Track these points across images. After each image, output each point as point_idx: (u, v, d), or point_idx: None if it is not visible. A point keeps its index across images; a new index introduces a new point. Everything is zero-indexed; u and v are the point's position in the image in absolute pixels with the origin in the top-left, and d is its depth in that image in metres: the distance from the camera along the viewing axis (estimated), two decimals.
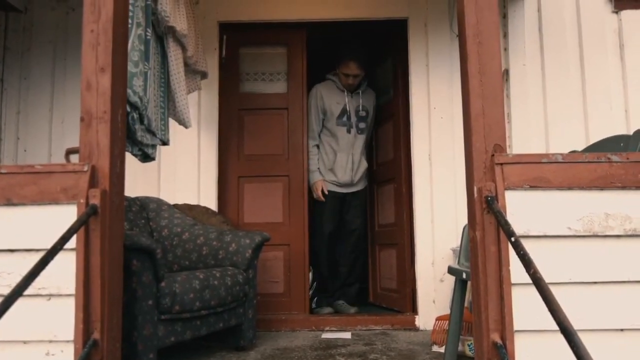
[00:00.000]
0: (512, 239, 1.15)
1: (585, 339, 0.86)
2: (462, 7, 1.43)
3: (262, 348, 2.47)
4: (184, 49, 2.48)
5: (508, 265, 1.26)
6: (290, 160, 3.26)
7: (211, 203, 3.07)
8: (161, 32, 2.34)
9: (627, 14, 3.09)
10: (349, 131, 3.35)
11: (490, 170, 1.34)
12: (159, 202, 2.78)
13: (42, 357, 1.32)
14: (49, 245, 1.18)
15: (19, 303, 1.05)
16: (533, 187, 1.32)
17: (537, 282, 1.00)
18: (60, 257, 1.19)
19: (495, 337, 1.26)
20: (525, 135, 3.04)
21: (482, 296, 1.29)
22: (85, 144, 1.39)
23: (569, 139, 2.95)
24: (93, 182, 1.36)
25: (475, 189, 1.34)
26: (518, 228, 1.27)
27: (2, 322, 1.02)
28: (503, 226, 1.22)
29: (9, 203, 1.36)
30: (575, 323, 0.89)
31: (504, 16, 3.15)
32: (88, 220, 1.31)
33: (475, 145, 1.36)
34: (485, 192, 1.30)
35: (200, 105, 3.13)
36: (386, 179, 3.49)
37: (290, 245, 3.18)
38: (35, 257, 1.17)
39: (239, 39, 3.30)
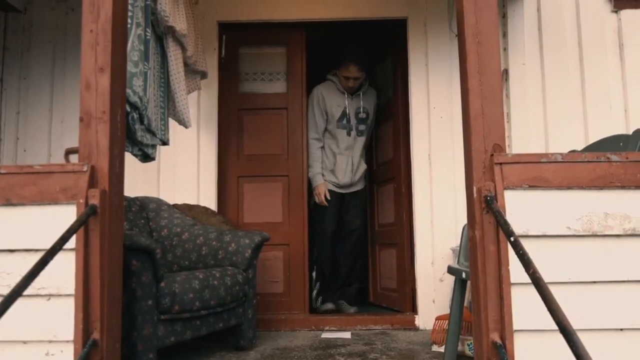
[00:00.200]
0: (512, 239, 1.15)
1: (585, 339, 0.86)
2: (461, 7, 1.43)
3: (261, 348, 2.47)
4: (183, 48, 2.48)
5: (507, 264, 1.26)
6: (289, 160, 3.26)
7: (211, 203, 3.07)
8: (161, 32, 2.34)
9: (627, 14, 3.09)
10: (348, 134, 3.34)
11: (489, 170, 1.34)
12: (159, 202, 2.78)
13: (41, 357, 1.32)
14: (48, 245, 1.18)
15: (19, 303, 1.05)
16: (532, 187, 1.32)
17: (537, 281, 1.00)
18: (59, 257, 1.19)
19: (495, 337, 1.26)
20: (525, 135, 3.04)
21: (482, 296, 1.29)
22: (85, 144, 1.39)
23: (569, 138, 2.95)
24: (92, 182, 1.36)
25: (474, 188, 1.34)
26: (517, 228, 1.27)
27: (2, 322, 1.02)
28: (502, 226, 1.22)
29: (9, 203, 1.36)
30: (575, 323, 0.89)
31: (504, 16, 3.15)
32: (87, 220, 1.31)
33: (475, 145, 1.36)
34: (485, 192, 1.30)
35: (200, 105, 3.14)
36: (386, 179, 3.49)
37: (289, 245, 3.19)
38: (35, 257, 1.17)
39: (238, 39, 3.30)
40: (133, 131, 2.05)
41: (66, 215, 1.33)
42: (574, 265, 1.30)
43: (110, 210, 1.38)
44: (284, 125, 3.29)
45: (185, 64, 2.54)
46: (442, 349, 2.31)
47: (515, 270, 1.24)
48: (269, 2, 3.19)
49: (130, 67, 1.96)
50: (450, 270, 2.06)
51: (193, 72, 2.71)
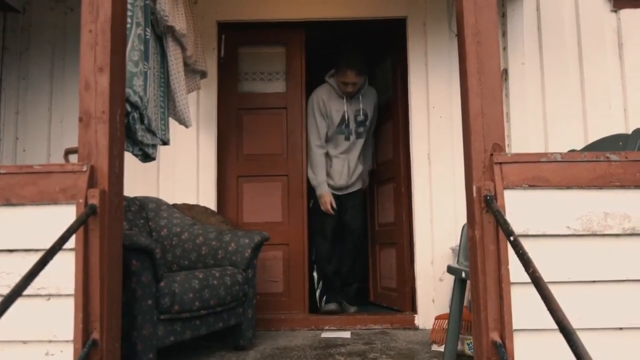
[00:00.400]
0: (511, 238, 1.15)
1: (584, 338, 0.86)
2: (460, 7, 1.43)
3: (261, 347, 2.47)
4: (183, 48, 2.47)
5: (507, 264, 1.26)
6: (289, 160, 3.26)
7: (210, 203, 3.07)
8: (160, 32, 2.34)
9: (626, 13, 3.09)
10: (347, 138, 3.32)
11: (489, 169, 1.34)
12: (158, 202, 2.78)
13: (41, 357, 1.32)
14: (48, 245, 1.18)
15: (19, 303, 1.05)
16: (532, 187, 1.32)
17: (536, 281, 1.00)
18: (59, 257, 1.19)
19: (495, 336, 1.26)
20: (524, 135, 3.04)
21: (482, 295, 1.29)
22: (84, 144, 1.39)
23: (568, 138, 2.95)
24: (92, 182, 1.36)
25: (474, 188, 1.34)
26: (517, 227, 1.27)
27: (2, 322, 1.01)
28: (502, 225, 1.22)
29: (8, 203, 1.36)
30: (574, 322, 0.89)
31: (503, 15, 3.15)
32: (87, 220, 1.31)
33: (474, 144, 1.36)
34: (484, 192, 1.30)
35: (199, 105, 3.13)
36: (386, 179, 3.49)
37: (289, 245, 3.19)
38: (35, 257, 1.16)
39: (237, 39, 3.30)
40: (133, 131, 2.05)
41: (66, 215, 1.33)
42: (573, 265, 1.30)
43: (110, 210, 1.38)
44: (284, 125, 3.29)
45: (185, 64, 2.54)
46: (441, 349, 2.31)
47: (515, 269, 1.24)
48: (269, 1, 3.19)
49: (130, 67, 1.95)
50: (450, 269, 2.06)
51: (193, 72, 2.71)
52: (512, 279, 1.26)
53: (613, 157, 1.33)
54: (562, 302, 0.93)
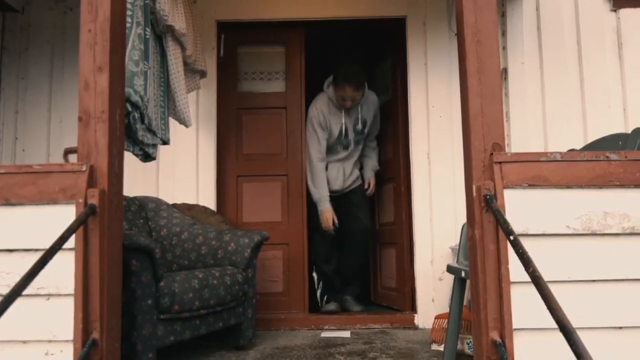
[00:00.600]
0: (511, 238, 1.15)
1: (584, 337, 0.86)
2: (460, 6, 1.43)
3: (261, 347, 2.47)
4: (182, 48, 2.47)
5: (507, 263, 1.26)
6: (288, 160, 3.26)
7: (210, 202, 3.07)
8: (160, 31, 2.34)
9: (626, 13, 3.09)
10: (345, 148, 3.28)
11: (489, 169, 1.34)
12: (158, 202, 2.77)
13: (41, 357, 1.32)
14: (47, 245, 1.18)
15: (18, 303, 1.05)
16: (532, 186, 1.32)
17: (536, 280, 1.00)
18: (59, 256, 1.19)
19: (495, 336, 1.26)
20: (524, 134, 3.04)
21: (481, 294, 1.29)
22: (84, 144, 1.39)
23: (568, 137, 2.95)
24: (91, 182, 1.36)
25: (474, 187, 1.34)
26: (517, 226, 1.27)
27: (2, 322, 1.01)
28: (502, 225, 1.22)
29: (8, 203, 1.36)
30: (574, 321, 0.89)
31: (503, 15, 3.15)
32: (87, 220, 1.31)
33: (474, 144, 1.36)
34: (484, 191, 1.30)
35: (199, 105, 3.13)
36: (385, 178, 3.49)
37: (289, 245, 3.19)
38: (34, 257, 1.16)
39: (237, 38, 3.29)
40: (134, 131, 2.05)
41: (65, 215, 1.32)
42: (573, 264, 1.30)
43: (110, 209, 1.38)
44: (283, 125, 3.29)
45: (185, 63, 2.54)
46: (441, 348, 2.31)
47: (515, 269, 1.24)
48: (268, 1, 3.19)
49: (131, 67, 1.95)
50: (450, 269, 2.06)
51: (192, 72, 2.71)
52: (512, 279, 1.26)
53: (613, 156, 1.33)
54: (561, 302, 0.93)
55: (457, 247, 2.21)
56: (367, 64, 4.00)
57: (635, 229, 1.30)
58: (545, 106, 3.06)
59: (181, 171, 3.08)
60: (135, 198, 2.72)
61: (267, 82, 3.36)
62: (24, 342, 1.33)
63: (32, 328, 1.32)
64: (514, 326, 1.25)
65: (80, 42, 1.43)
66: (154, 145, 2.30)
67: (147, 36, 2.14)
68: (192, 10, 2.70)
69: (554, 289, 0.97)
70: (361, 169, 3.45)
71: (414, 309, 3.04)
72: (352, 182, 3.38)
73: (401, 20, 3.22)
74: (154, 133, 2.24)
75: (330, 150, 3.27)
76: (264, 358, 2.26)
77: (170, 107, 2.47)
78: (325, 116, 3.19)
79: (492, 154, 1.34)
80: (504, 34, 3.14)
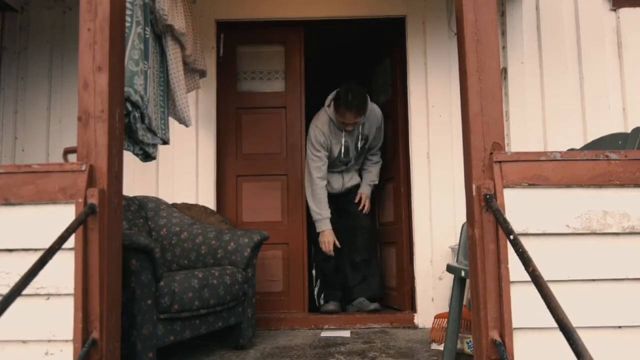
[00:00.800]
0: (511, 237, 1.15)
1: (584, 336, 0.86)
2: (460, 5, 1.43)
3: (261, 347, 2.47)
4: (182, 47, 2.47)
5: (507, 263, 1.26)
6: (288, 159, 3.26)
7: (210, 202, 3.07)
8: (159, 31, 2.34)
9: (626, 12, 3.09)
10: (346, 164, 3.27)
11: (488, 168, 1.34)
12: (158, 202, 2.77)
13: (41, 357, 1.32)
14: (47, 244, 1.18)
15: (18, 302, 1.05)
16: (531, 185, 1.32)
17: (536, 279, 1.00)
18: (58, 256, 1.19)
19: (494, 335, 1.26)
20: (524, 134, 3.04)
21: (481, 294, 1.29)
22: (83, 144, 1.38)
23: (567, 137, 2.96)
24: (91, 182, 1.36)
25: (473, 187, 1.34)
26: (517, 226, 1.27)
27: (1, 322, 1.01)
28: (502, 224, 1.22)
29: (7, 203, 1.36)
30: (574, 320, 0.89)
31: (502, 14, 3.15)
32: (86, 219, 1.31)
33: (474, 143, 1.36)
34: (484, 190, 1.30)
35: (198, 105, 3.13)
36: (385, 178, 3.49)
37: (289, 244, 3.19)
38: (34, 257, 1.16)
39: (236, 38, 3.29)
40: (134, 130, 2.04)
41: (65, 214, 1.32)
42: (573, 263, 1.30)
43: (109, 209, 1.38)
44: (283, 124, 3.29)
45: (185, 63, 2.53)
46: (441, 347, 2.31)
47: (515, 268, 1.24)
48: (268, 0, 3.18)
49: (131, 66, 1.95)
50: (450, 268, 2.06)
51: (192, 71, 2.71)
52: (511, 278, 1.26)
53: (612, 155, 1.33)
54: (561, 301, 0.93)
55: (457, 246, 2.21)
56: (366, 63, 4.00)
57: (635, 229, 1.31)
58: (545, 106, 3.06)
59: (181, 171, 3.08)
60: (135, 198, 2.72)
61: (266, 81, 3.36)
62: (24, 341, 1.33)
63: (32, 328, 1.32)
64: (514, 325, 1.25)
65: (80, 42, 1.42)
66: (154, 145, 2.30)
67: (147, 36, 2.14)
68: (192, 9, 2.69)
69: (554, 288, 0.97)
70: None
71: (413, 308, 3.04)
72: (352, 184, 3.37)
73: (401, 19, 3.22)
74: (154, 133, 2.24)
75: (330, 164, 3.23)
76: (264, 357, 2.26)
77: (170, 106, 2.47)
78: (326, 136, 3.13)
79: (491, 153, 1.34)
80: (503, 33, 3.14)
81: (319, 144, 3.11)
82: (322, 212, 3.10)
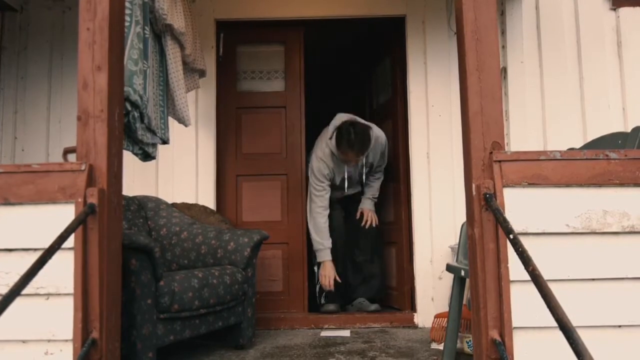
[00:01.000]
0: (511, 236, 1.15)
1: (584, 336, 0.86)
2: (460, 4, 1.43)
3: (261, 346, 2.47)
4: (182, 47, 2.47)
5: (507, 262, 1.26)
6: (288, 159, 3.26)
7: (209, 202, 3.07)
8: (159, 31, 2.33)
9: (625, 12, 3.09)
10: (347, 189, 3.25)
11: (488, 167, 1.34)
12: (157, 201, 2.77)
13: (41, 357, 1.32)
14: (47, 244, 1.18)
15: (18, 302, 1.05)
16: (531, 185, 1.32)
17: (536, 279, 1.00)
18: (58, 256, 1.19)
19: (494, 334, 1.26)
20: (523, 133, 3.04)
21: (481, 293, 1.29)
22: (83, 143, 1.38)
23: (567, 136, 2.96)
24: (91, 181, 1.36)
25: (473, 186, 1.34)
26: (516, 225, 1.27)
27: (1, 322, 1.01)
28: (501, 223, 1.22)
29: (7, 202, 1.36)
30: (574, 320, 0.89)
31: (502, 13, 3.15)
32: (86, 219, 1.31)
33: (474, 142, 1.36)
34: (484, 190, 1.30)
35: (198, 104, 3.13)
36: (385, 178, 3.49)
37: (288, 244, 3.19)
38: (34, 257, 1.16)
39: (236, 37, 3.29)
40: (134, 130, 2.04)
41: (64, 214, 1.32)
42: (573, 263, 1.30)
43: (109, 209, 1.37)
44: (283, 124, 3.29)
45: (184, 62, 2.53)
46: (441, 347, 2.31)
47: (515, 267, 1.24)
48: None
49: (130, 66, 1.95)
50: (449, 268, 2.06)
51: (192, 71, 2.71)
52: (511, 277, 1.26)
53: (612, 155, 1.33)
54: (561, 300, 0.93)
55: (457, 246, 2.21)
56: (366, 63, 4.00)
57: (635, 228, 1.30)
58: (545, 105, 3.06)
59: (180, 170, 3.08)
60: (134, 197, 2.72)
61: (266, 81, 3.35)
62: (24, 341, 1.33)
63: (32, 327, 1.32)
64: (514, 325, 1.25)
65: (79, 41, 1.42)
66: (154, 145, 2.30)
67: (146, 35, 2.14)
68: (191, 9, 2.69)
69: (554, 288, 0.97)
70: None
71: (413, 308, 3.04)
72: (354, 192, 3.35)
73: (400, 19, 3.22)
74: (153, 132, 2.24)
75: (332, 188, 3.20)
76: (264, 357, 2.26)
77: (169, 106, 2.47)
78: (330, 169, 3.10)
79: (491, 152, 1.34)
80: (503, 32, 3.14)
81: (323, 176, 3.10)
82: (323, 242, 3.09)
